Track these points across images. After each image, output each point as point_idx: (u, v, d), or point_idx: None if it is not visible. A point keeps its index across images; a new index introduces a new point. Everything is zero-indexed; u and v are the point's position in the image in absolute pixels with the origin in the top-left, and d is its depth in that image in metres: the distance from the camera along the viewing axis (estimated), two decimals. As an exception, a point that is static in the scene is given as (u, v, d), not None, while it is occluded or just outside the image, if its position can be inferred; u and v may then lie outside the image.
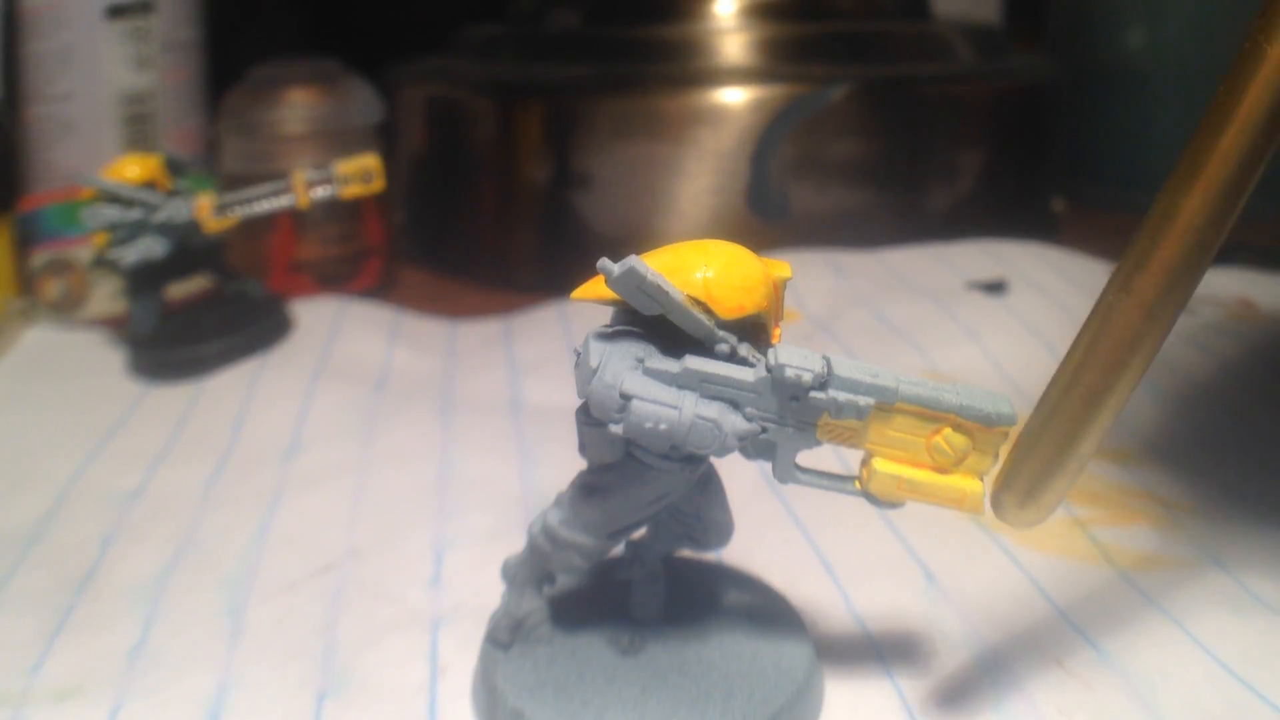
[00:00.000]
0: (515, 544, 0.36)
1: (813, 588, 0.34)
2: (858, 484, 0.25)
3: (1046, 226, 0.75)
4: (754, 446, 0.25)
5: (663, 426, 0.23)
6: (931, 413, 0.24)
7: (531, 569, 0.28)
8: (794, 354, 0.24)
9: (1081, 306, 0.54)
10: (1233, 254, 0.65)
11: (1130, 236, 0.24)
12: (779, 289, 0.25)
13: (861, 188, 0.67)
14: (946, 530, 0.37)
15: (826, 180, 0.67)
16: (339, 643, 0.32)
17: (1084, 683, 0.29)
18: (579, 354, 0.24)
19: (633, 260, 0.22)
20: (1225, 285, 0.58)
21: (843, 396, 0.24)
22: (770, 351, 0.24)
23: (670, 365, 0.24)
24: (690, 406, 0.23)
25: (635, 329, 0.24)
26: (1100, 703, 0.28)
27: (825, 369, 0.24)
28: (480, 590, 0.34)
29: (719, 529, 0.29)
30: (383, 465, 0.43)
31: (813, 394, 0.24)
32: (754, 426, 0.24)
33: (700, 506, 0.28)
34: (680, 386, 0.24)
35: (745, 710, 0.27)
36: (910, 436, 0.24)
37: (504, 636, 0.29)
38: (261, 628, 0.33)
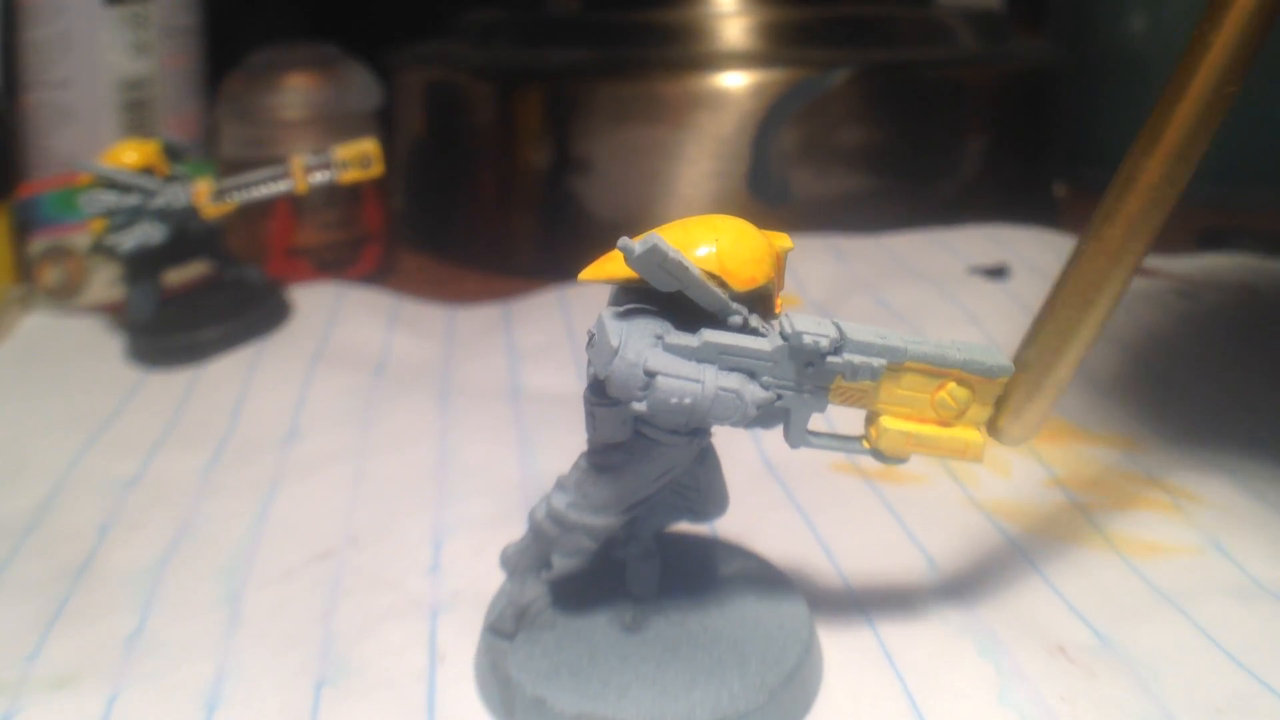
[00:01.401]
0: (515, 531, 0.36)
1: (814, 573, 0.34)
2: (865, 443, 0.27)
3: (1048, 211, 0.74)
4: (768, 414, 0.26)
5: (687, 400, 0.24)
6: (937, 369, 0.25)
7: (534, 555, 0.28)
8: (808, 321, 0.25)
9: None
10: (1235, 241, 0.65)
11: (1102, 195, 0.28)
12: (781, 260, 0.25)
13: (862, 172, 0.67)
14: (948, 516, 0.37)
15: (827, 165, 0.66)
16: (337, 630, 0.32)
17: (1087, 670, 0.29)
18: (593, 334, 0.24)
19: (654, 238, 0.22)
20: (1227, 272, 0.58)
21: (858, 359, 0.25)
22: (783, 320, 0.25)
23: (689, 340, 0.24)
24: (712, 379, 0.24)
25: (645, 306, 0.25)
26: (1103, 690, 0.28)
27: (839, 334, 0.25)
28: (479, 577, 0.34)
29: (718, 499, 0.29)
30: (381, 451, 0.43)
31: (829, 359, 0.25)
32: (771, 395, 0.25)
33: (700, 479, 0.28)
34: (699, 360, 0.24)
35: (761, 672, 0.27)
36: (916, 394, 0.26)
37: (509, 626, 0.29)
38: (259, 615, 0.33)
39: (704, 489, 0.29)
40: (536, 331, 0.55)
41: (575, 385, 0.48)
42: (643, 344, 0.24)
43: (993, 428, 0.28)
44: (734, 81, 0.64)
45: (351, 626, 0.32)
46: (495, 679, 0.28)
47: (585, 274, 0.25)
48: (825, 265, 0.60)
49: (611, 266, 0.24)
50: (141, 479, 0.41)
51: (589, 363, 0.25)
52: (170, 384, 0.49)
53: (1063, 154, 0.79)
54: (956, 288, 0.56)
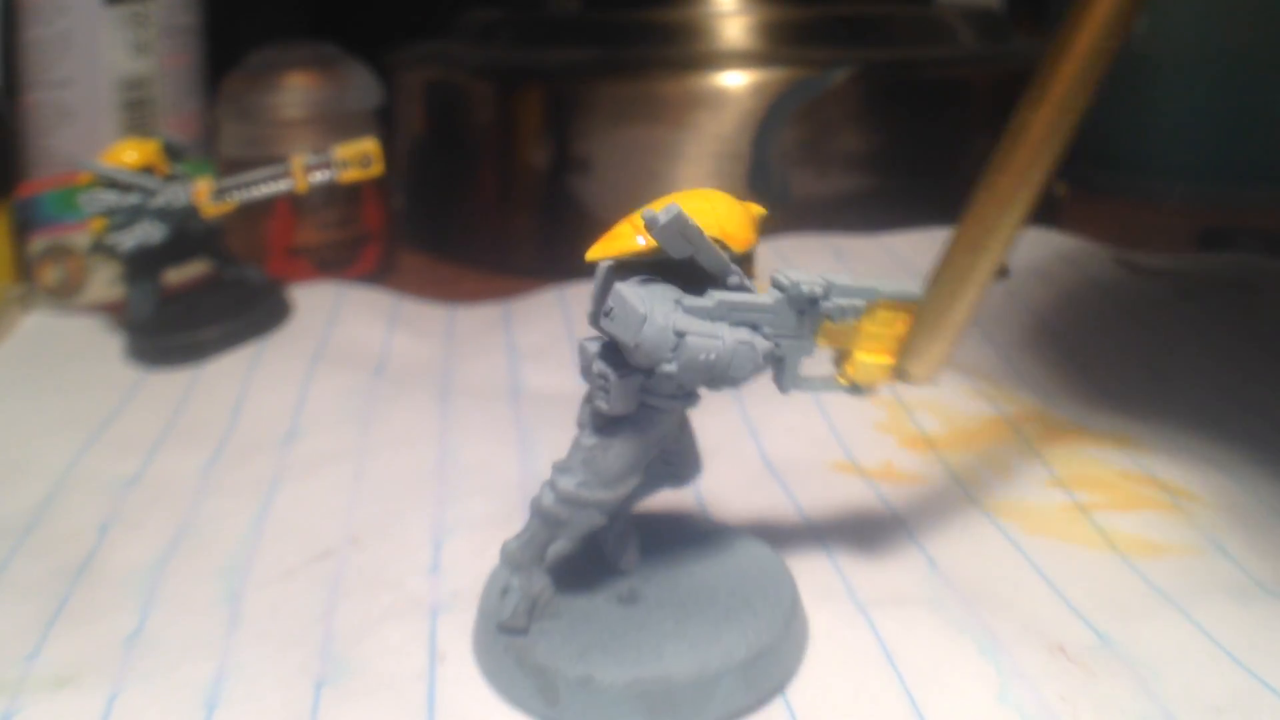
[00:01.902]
0: (515, 530, 0.36)
1: (814, 573, 0.34)
2: (842, 379, 0.29)
3: (1048, 211, 0.74)
4: (768, 362, 0.28)
5: (712, 356, 0.25)
6: (902, 304, 0.29)
7: (538, 546, 0.29)
8: (799, 274, 0.27)
9: (1084, 290, 0.54)
10: (1236, 240, 0.65)
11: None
12: (759, 224, 0.28)
13: (862, 171, 0.67)
14: (948, 516, 0.37)
15: (827, 164, 0.66)
16: (337, 630, 0.32)
17: (1087, 669, 0.29)
18: (612, 307, 0.25)
19: (676, 207, 0.24)
20: (1229, 271, 0.57)
21: (845, 302, 0.28)
22: (776, 275, 0.27)
23: (702, 301, 0.26)
24: (729, 335, 0.26)
25: (651, 275, 0.26)
26: (1103, 690, 0.28)
27: (826, 282, 0.27)
28: (480, 577, 0.34)
29: (695, 461, 0.31)
30: (381, 451, 0.43)
31: (822, 304, 0.27)
32: (772, 344, 0.27)
33: (681, 442, 0.30)
34: (713, 319, 0.26)
35: (768, 608, 0.29)
36: (884, 329, 0.29)
37: (523, 620, 0.29)
38: (259, 615, 0.33)
39: (684, 452, 0.31)
40: (536, 331, 0.55)
41: (575, 384, 0.48)
42: (666, 308, 0.25)
43: (898, 370, 0.30)
44: (734, 81, 0.64)
45: (351, 626, 0.32)
46: (525, 672, 0.28)
47: (594, 252, 0.26)
48: (826, 264, 0.60)
49: (620, 243, 0.26)
50: (141, 478, 0.41)
51: (594, 342, 0.27)
52: (170, 383, 0.49)
53: (1063, 153, 0.79)
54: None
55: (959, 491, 0.38)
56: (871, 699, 0.28)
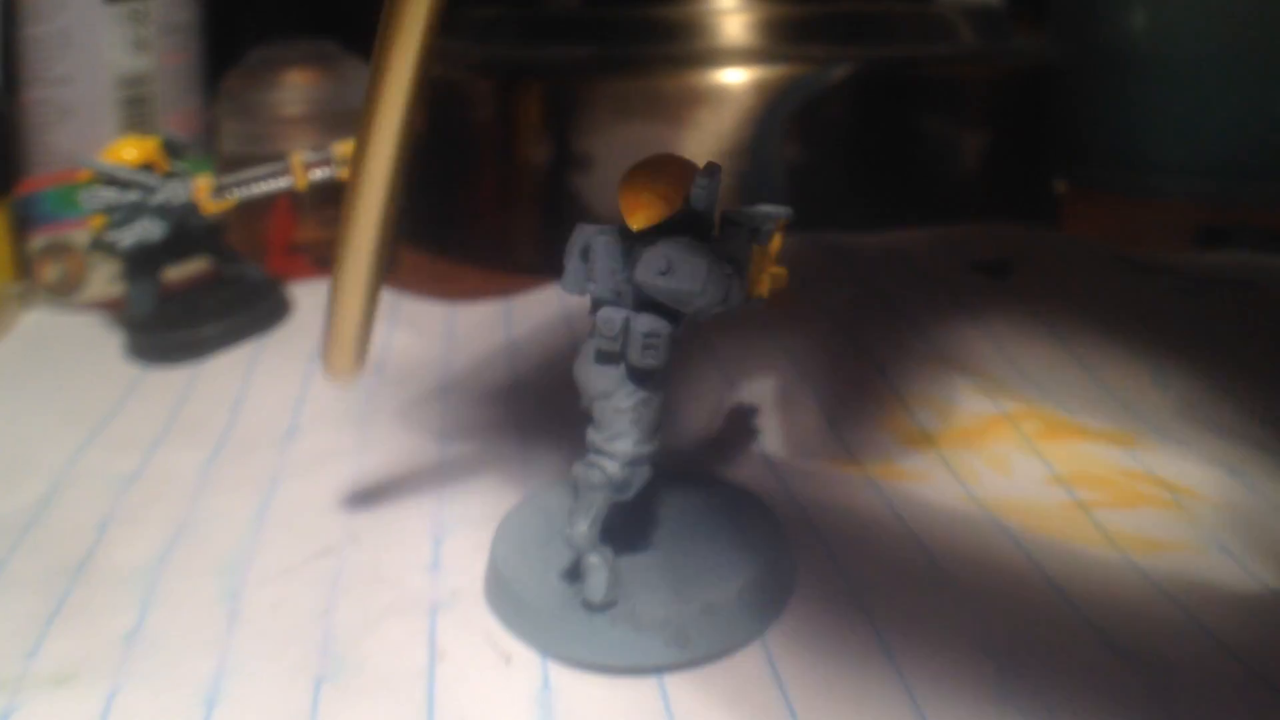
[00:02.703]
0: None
1: (813, 572, 0.34)
2: (756, 293, 0.30)
3: (1049, 208, 0.74)
4: None
5: (735, 290, 0.27)
6: (783, 223, 0.30)
7: (601, 517, 0.29)
8: (743, 212, 0.29)
9: (1083, 287, 0.54)
10: (1235, 237, 0.65)
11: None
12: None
13: (862, 169, 0.67)
14: (948, 514, 0.37)
15: (827, 161, 0.66)
16: (337, 627, 0.32)
17: (1087, 667, 0.29)
18: (669, 264, 0.27)
19: (718, 166, 0.27)
20: (1228, 269, 0.57)
21: (769, 226, 0.29)
22: (728, 212, 0.29)
23: (712, 247, 0.27)
24: (731, 268, 0.28)
25: (661, 232, 0.27)
26: (1104, 688, 0.28)
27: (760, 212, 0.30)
28: (479, 575, 0.34)
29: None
30: (381, 449, 0.43)
31: (763, 229, 0.29)
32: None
33: None
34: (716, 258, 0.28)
35: (765, 526, 0.33)
36: (773, 245, 0.30)
37: (613, 595, 0.30)
38: (259, 612, 0.33)
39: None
40: (537, 328, 0.55)
41: (572, 381, 0.48)
42: (707, 254, 0.27)
43: (324, 363, 0.33)
44: (734, 78, 0.64)
45: (351, 624, 0.32)
46: (653, 627, 0.29)
47: (639, 224, 0.27)
48: (821, 262, 0.60)
49: (655, 209, 0.27)
50: (141, 475, 0.41)
51: (617, 310, 0.28)
52: (170, 381, 0.49)
53: (1063, 151, 0.79)
54: (957, 285, 0.55)
55: (959, 490, 0.38)
56: (872, 699, 0.28)
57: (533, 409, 0.46)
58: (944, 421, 0.43)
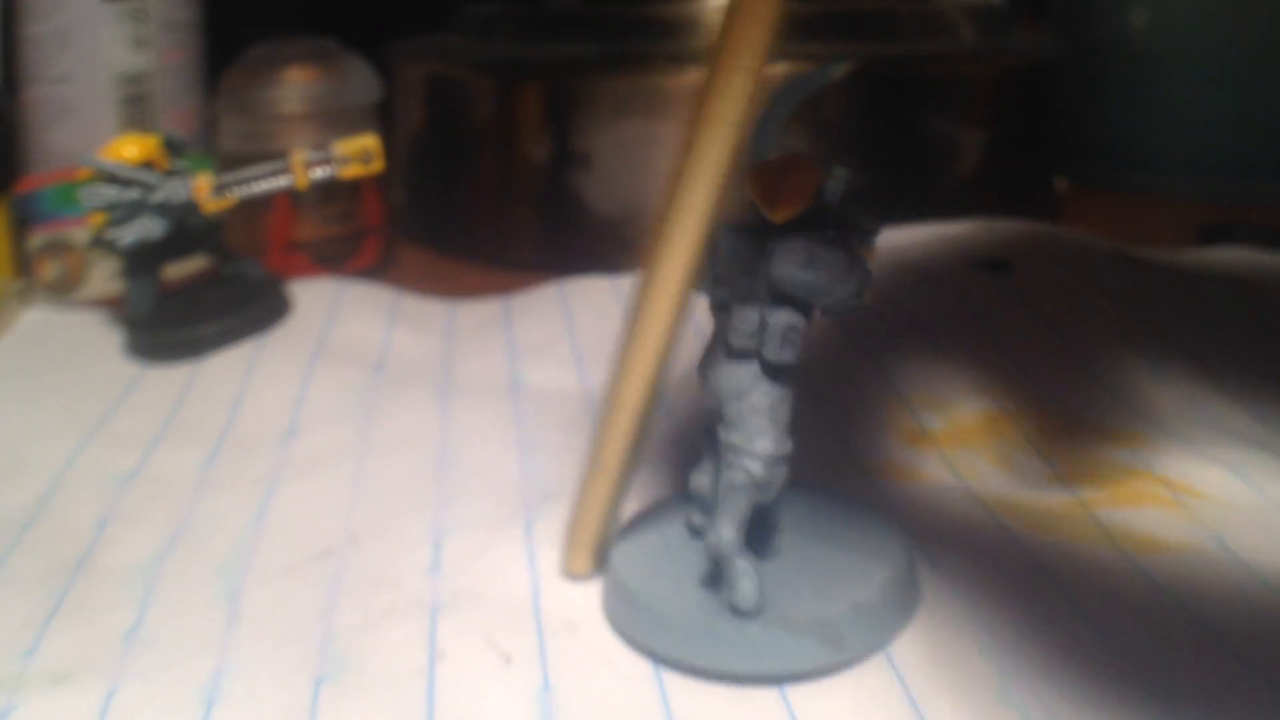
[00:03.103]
0: (515, 530, 0.36)
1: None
2: None
3: (1049, 206, 0.74)
4: None
5: (866, 285, 0.27)
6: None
7: (743, 519, 0.29)
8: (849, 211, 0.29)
9: (1085, 285, 0.54)
10: (1236, 235, 0.65)
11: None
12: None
13: (861, 166, 0.67)
14: (948, 512, 0.37)
15: (827, 159, 0.66)
16: (337, 628, 0.32)
17: (1088, 666, 0.29)
18: (815, 259, 0.26)
19: (847, 161, 0.27)
20: (1229, 267, 0.57)
21: (875, 226, 0.29)
22: (840, 211, 0.29)
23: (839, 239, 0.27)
24: None
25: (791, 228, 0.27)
26: (1104, 687, 0.28)
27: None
28: (479, 577, 0.34)
29: None
30: (381, 449, 0.43)
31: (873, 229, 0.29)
32: None
33: None
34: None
35: (885, 533, 0.32)
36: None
37: (763, 599, 0.29)
38: (259, 612, 0.33)
39: None
40: (537, 327, 0.55)
41: (576, 381, 0.48)
42: (848, 249, 0.27)
43: (565, 561, 0.33)
44: (735, 76, 0.64)
45: (351, 624, 0.32)
46: (808, 629, 0.28)
47: (784, 215, 0.27)
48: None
49: (800, 201, 0.27)
50: (140, 474, 0.41)
51: (752, 307, 0.28)
52: (169, 379, 0.49)
53: (1063, 148, 0.79)
54: (958, 282, 0.55)
55: (960, 488, 0.38)
56: (871, 699, 0.28)
57: (533, 409, 0.46)
58: (945, 420, 0.42)
